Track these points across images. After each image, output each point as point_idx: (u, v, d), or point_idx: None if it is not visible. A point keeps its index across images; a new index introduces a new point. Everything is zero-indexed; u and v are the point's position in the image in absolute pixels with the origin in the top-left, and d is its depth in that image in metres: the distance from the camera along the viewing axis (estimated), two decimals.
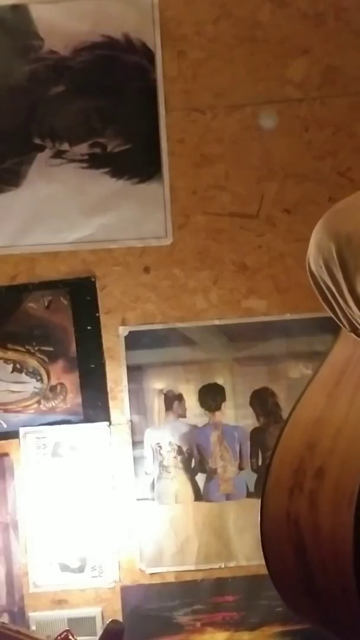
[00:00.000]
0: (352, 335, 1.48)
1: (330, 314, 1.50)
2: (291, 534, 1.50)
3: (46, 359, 2.34)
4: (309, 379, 1.62)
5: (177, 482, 2.36)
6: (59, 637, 1.44)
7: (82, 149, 2.29)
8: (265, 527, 1.58)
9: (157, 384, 2.36)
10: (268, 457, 1.62)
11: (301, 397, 1.60)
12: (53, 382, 2.35)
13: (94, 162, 2.29)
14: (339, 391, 1.52)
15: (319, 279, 1.45)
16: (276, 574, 1.57)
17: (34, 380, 2.35)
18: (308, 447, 1.51)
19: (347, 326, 1.47)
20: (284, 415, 2.31)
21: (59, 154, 2.29)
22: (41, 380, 2.35)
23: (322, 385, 1.57)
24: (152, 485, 2.35)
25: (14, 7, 2.23)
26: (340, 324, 1.49)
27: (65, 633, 1.45)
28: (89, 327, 2.34)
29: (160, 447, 2.35)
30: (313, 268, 1.45)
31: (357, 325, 1.45)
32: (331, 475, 1.44)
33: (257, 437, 2.35)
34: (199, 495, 2.36)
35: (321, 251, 1.40)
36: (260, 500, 1.57)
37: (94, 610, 2.36)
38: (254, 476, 2.35)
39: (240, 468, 2.36)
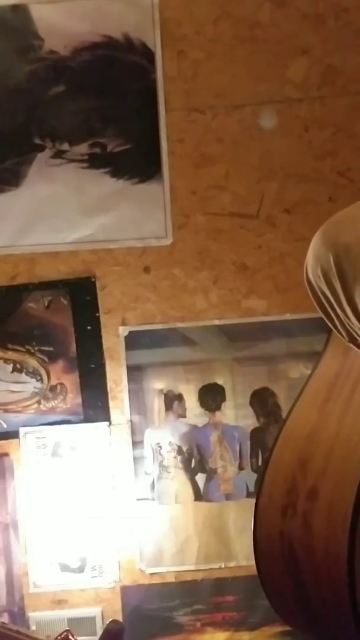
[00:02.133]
0: (351, 345, 1.47)
1: (328, 324, 1.50)
2: (285, 554, 1.50)
3: (46, 359, 2.34)
4: (298, 394, 1.61)
5: (177, 482, 2.36)
6: (59, 637, 1.44)
7: (82, 149, 2.29)
8: (259, 547, 1.57)
9: (157, 384, 2.36)
10: (266, 457, 1.61)
11: (291, 411, 1.60)
12: (53, 382, 2.35)
13: (94, 162, 2.29)
14: (329, 407, 1.52)
15: (316, 289, 1.45)
16: (272, 594, 1.56)
17: (34, 380, 2.35)
18: (300, 465, 1.50)
19: (345, 336, 1.47)
20: (284, 415, 2.31)
21: (59, 154, 2.29)
22: (41, 380, 2.35)
23: (312, 400, 1.57)
24: (152, 485, 2.35)
25: (14, 7, 2.23)
26: (339, 334, 1.49)
27: (65, 633, 1.45)
28: (89, 327, 2.34)
29: (160, 447, 2.35)
30: (311, 278, 1.45)
31: (355, 336, 1.44)
32: (324, 496, 1.43)
33: (257, 437, 2.35)
34: (199, 495, 2.36)
35: (319, 261, 1.40)
36: (253, 517, 1.57)
37: (94, 610, 2.36)
38: (254, 476, 2.35)
39: (240, 468, 2.36)
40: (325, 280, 1.40)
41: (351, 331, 1.44)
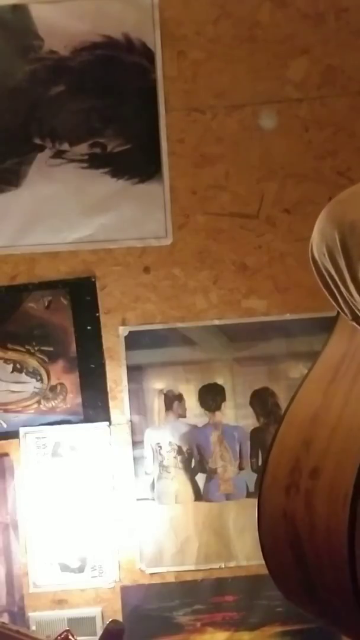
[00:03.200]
0: (354, 323, 1.48)
1: (331, 301, 1.50)
2: (288, 532, 1.51)
3: (46, 359, 2.34)
4: (304, 376, 1.62)
5: (177, 482, 2.36)
6: (59, 637, 1.44)
7: (82, 149, 2.29)
8: (262, 525, 1.58)
9: (157, 384, 2.36)
10: (271, 438, 1.62)
11: (296, 394, 1.60)
12: (53, 382, 2.35)
13: (94, 162, 2.29)
14: (333, 388, 1.52)
15: (321, 267, 1.46)
16: (275, 570, 1.58)
17: (34, 380, 2.35)
18: (304, 446, 1.51)
19: (348, 314, 1.48)
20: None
21: (59, 154, 2.29)
22: (41, 380, 2.35)
23: (317, 382, 1.57)
24: (152, 485, 2.35)
25: (14, 7, 2.23)
26: (342, 312, 1.50)
27: (65, 633, 1.45)
28: (89, 327, 2.34)
29: (160, 447, 2.35)
30: (316, 255, 1.46)
31: (359, 314, 1.45)
32: (326, 475, 1.44)
33: (257, 437, 2.35)
34: (199, 495, 2.36)
35: (325, 239, 1.41)
36: (257, 497, 1.58)
37: (94, 610, 2.36)
38: (254, 476, 2.35)
39: (240, 468, 2.36)
40: (330, 258, 1.41)
41: (355, 309, 1.45)
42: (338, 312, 1.57)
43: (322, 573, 1.45)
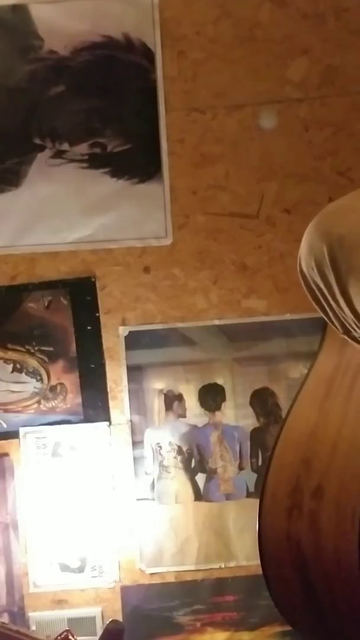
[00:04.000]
0: (345, 337, 1.47)
1: (321, 314, 1.49)
2: (293, 556, 1.48)
3: (46, 359, 2.34)
4: (296, 393, 1.60)
5: (177, 482, 2.36)
6: (59, 637, 1.44)
7: (82, 149, 2.29)
8: (265, 550, 1.55)
9: (157, 384, 2.36)
10: (267, 458, 1.60)
11: (290, 411, 1.59)
12: (53, 382, 2.35)
13: (94, 162, 2.29)
14: (329, 404, 1.51)
15: (310, 281, 1.44)
16: (280, 599, 1.54)
17: (34, 380, 2.35)
18: (303, 464, 1.49)
19: (339, 328, 1.46)
20: (284, 415, 2.31)
21: (59, 154, 2.29)
22: (41, 380, 2.35)
23: (311, 398, 1.56)
24: (152, 485, 2.35)
25: (14, 7, 2.23)
26: (332, 325, 1.48)
27: (65, 633, 1.45)
28: (89, 327, 2.34)
29: (160, 447, 2.35)
30: (304, 269, 1.44)
31: (350, 328, 1.44)
32: (330, 493, 1.42)
33: (257, 437, 2.35)
34: (199, 495, 2.36)
35: (313, 252, 1.40)
36: (257, 521, 1.55)
37: (94, 610, 2.36)
38: (254, 476, 2.35)
39: (240, 468, 2.36)
40: (318, 271, 1.39)
41: (345, 323, 1.43)
42: (325, 327, 1.56)
43: (332, 596, 1.42)
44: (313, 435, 1.50)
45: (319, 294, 1.44)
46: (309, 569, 1.45)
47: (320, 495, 1.43)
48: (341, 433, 1.45)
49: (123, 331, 2.34)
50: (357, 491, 1.35)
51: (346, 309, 1.38)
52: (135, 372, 2.35)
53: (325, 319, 1.49)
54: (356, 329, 1.41)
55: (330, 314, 1.45)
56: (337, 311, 1.42)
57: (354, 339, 1.45)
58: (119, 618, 2.30)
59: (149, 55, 2.25)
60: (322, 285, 1.41)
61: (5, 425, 2.35)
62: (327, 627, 1.47)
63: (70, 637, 1.44)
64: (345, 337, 1.46)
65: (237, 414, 2.36)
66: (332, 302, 1.41)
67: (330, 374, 1.54)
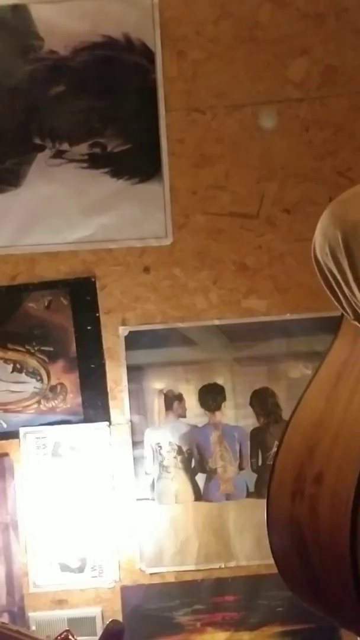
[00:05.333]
0: (356, 323, 1.48)
1: (334, 302, 1.51)
2: (295, 537, 1.51)
3: (46, 359, 2.34)
4: (309, 380, 1.62)
5: (177, 482, 2.36)
6: (59, 637, 1.44)
7: (82, 149, 2.29)
8: (271, 529, 1.59)
9: (157, 384, 2.36)
10: (268, 457, 1.62)
11: (301, 398, 1.60)
12: (53, 382, 2.35)
13: (94, 162, 2.29)
14: (336, 394, 1.52)
15: (324, 267, 1.46)
16: (284, 570, 1.59)
17: (34, 380, 2.35)
18: (307, 451, 1.51)
19: (351, 315, 1.48)
20: (284, 415, 2.32)
21: (59, 154, 2.29)
22: (41, 380, 2.35)
23: (321, 387, 1.57)
24: (152, 485, 2.35)
25: (14, 7, 2.23)
26: (345, 313, 1.50)
27: (65, 633, 1.44)
28: (89, 327, 2.34)
29: (160, 447, 2.35)
30: (319, 255, 1.46)
31: None
32: (329, 480, 1.45)
33: (257, 437, 2.35)
34: (199, 495, 2.36)
35: (327, 239, 1.41)
36: (265, 500, 1.58)
37: (94, 610, 2.36)
38: (254, 476, 2.35)
39: (240, 468, 2.36)
40: (332, 258, 1.41)
41: (357, 309, 1.45)
42: (341, 316, 1.58)
43: (327, 575, 1.45)
44: (319, 424, 1.51)
45: (332, 281, 1.46)
46: (309, 551, 1.48)
47: (320, 482, 1.45)
48: (344, 423, 1.46)
49: (123, 331, 2.34)
50: (351, 480, 1.37)
51: (359, 296, 1.40)
52: (135, 372, 2.35)
53: (338, 306, 1.50)
54: None
55: (343, 300, 1.47)
56: (350, 298, 1.44)
57: None
58: (119, 618, 2.30)
59: (149, 55, 2.25)
60: (335, 272, 1.42)
61: (5, 425, 2.35)
62: (324, 601, 1.51)
63: (70, 637, 1.44)
64: (357, 323, 1.48)
65: (237, 414, 2.36)
66: (345, 289, 1.43)
67: (342, 363, 1.55)
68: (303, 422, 1.57)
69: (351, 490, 1.37)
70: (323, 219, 1.45)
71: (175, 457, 2.35)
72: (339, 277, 1.43)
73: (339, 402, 1.50)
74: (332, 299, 1.50)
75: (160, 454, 2.35)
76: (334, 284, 1.46)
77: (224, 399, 2.36)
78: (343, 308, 1.49)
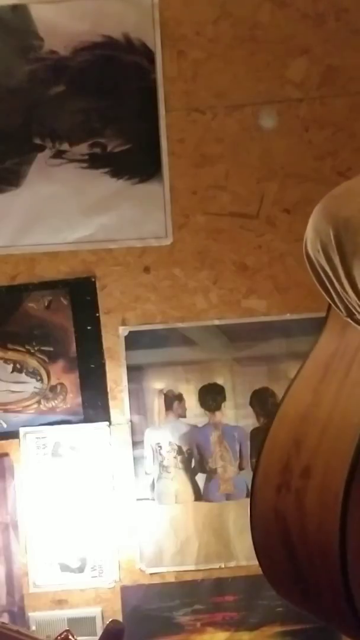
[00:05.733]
0: (348, 319, 1.48)
1: (326, 298, 1.50)
2: (279, 530, 1.51)
3: (46, 359, 2.34)
4: (295, 374, 1.62)
5: (177, 482, 2.36)
6: (59, 637, 1.44)
7: (82, 149, 2.29)
8: (255, 523, 1.59)
9: (157, 384, 2.36)
10: (262, 437, 1.62)
11: (287, 391, 1.60)
12: (53, 382, 2.35)
13: (94, 162, 2.29)
14: (323, 387, 1.52)
15: (315, 263, 1.45)
16: (267, 567, 1.58)
17: (34, 380, 2.35)
18: (295, 445, 1.51)
19: (343, 311, 1.47)
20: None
21: (59, 154, 2.29)
22: (41, 380, 2.35)
23: (308, 380, 1.57)
24: (152, 485, 2.35)
25: (14, 7, 2.23)
26: (336, 309, 1.50)
27: (65, 633, 1.44)
28: (89, 327, 2.34)
29: (160, 447, 2.35)
30: (310, 252, 1.45)
31: (353, 310, 1.45)
32: (316, 474, 1.44)
33: (257, 437, 2.35)
34: (199, 495, 2.36)
35: (319, 235, 1.41)
36: (250, 497, 1.58)
37: (94, 610, 2.36)
38: None
39: (240, 468, 2.36)
40: (324, 254, 1.41)
41: (349, 306, 1.44)
42: (329, 310, 1.57)
43: (313, 572, 1.45)
44: (306, 417, 1.51)
45: (324, 277, 1.45)
46: (294, 544, 1.48)
47: (307, 476, 1.45)
48: (332, 416, 1.46)
49: (123, 331, 2.34)
50: (341, 474, 1.37)
51: (350, 292, 1.40)
52: (135, 372, 2.35)
53: (329, 301, 1.50)
54: None
55: (335, 296, 1.46)
56: (341, 294, 1.43)
57: (358, 321, 1.46)
58: (119, 618, 2.30)
59: (149, 55, 2.25)
60: (327, 268, 1.42)
61: (5, 425, 2.35)
62: (309, 598, 1.50)
63: (70, 637, 1.44)
64: (349, 319, 1.48)
65: (237, 414, 2.36)
66: (336, 285, 1.43)
67: (328, 357, 1.55)
68: (289, 415, 1.57)
69: (341, 484, 1.37)
70: (314, 215, 1.45)
71: (175, 457, 2.35)
72: (330, 274, 1.43)
73: (327, 396, 1.50)
74: (324, 295, 1.50)
75: (160, 454, 2.35)
76: (325, 280, 1.46)
77: (224, 399, 2.36)
78: (335, 304, 1.49)
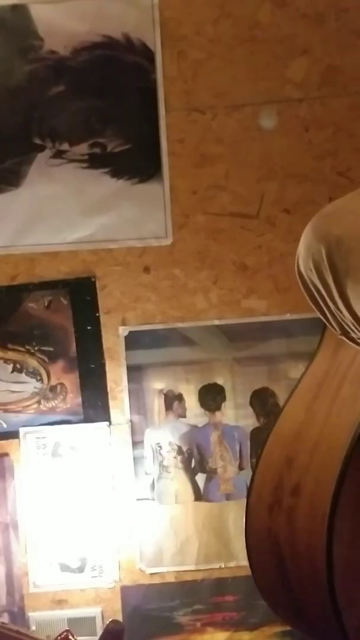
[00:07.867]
0: (343, 338, 1.48)
1: (320, 316, 1.50)
2: (272, 549, 1.51)
3: (46, 359, 2.34)
4: (290, 391, 1.62)
5: (177, 482, 2.36)
6: (59, 637, 1.44)
7: (82, 149, 2.29)
8: (249, 541, 1.59)
9: (157, 384, 2.36)
10: (257, 456, 1.62)
11: (282, 410, 1.60)
12: (53, 382, 2.35)
13: (94, 162, 2.29)
14: (316, 405, 1.52)
15: (308, 282, 1.45)
16: (262, 585, 1.58)
17: (34, 380, 2.35)
18: (287, 463, 1.51)
19: (337, 329, 1.47)
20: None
21: (59, 154, 2.29)
22: (41, 380, 2.35)
23: (302, 399, 1.58)
24: (152, 485, 2.35)
25: (14, 7, 2.23)
26: (330, 327, 1.49)
27: (65, 633, 1.45)
28: (89, 327, 2.34)
29: (160, 447, 2.35)
30: (303, 270, 1.45)
31: (347, 329, 1.45)
32: (306, 492, 1.44)
33: (257, 437, 2.35)
34: (199, 495, 2.36)
35: (311, 254, 1.40)
36: (244, 514, 1.58)
37: (94, 610, 2.36)
38: None
39: (241, 468, 2.36)
40: (317, 273, 1.40)
41: (343, 324, 1.44)
42: (324, 328, 1.57)
43: (305, 592, 1.45)
44: (298, 435, 1.52)
45: (317, 295, 1.45)
46: (286, 564, 1.48)
47: (298, 493, 1.45)
48: (322, 434, 1.46)
49: (123, 331, 2.34)
50: (328, 492, 1.37)
51: (344, 310, 1.39)
52: (135, 372, 2.35)
53: (324, 320, 1.49)
54: (354, 330, 1.42)
55: (329, 315, 1.45)
56: (335, 312, 1.43)
57: (352, 339, 1.45)
58: (119, 618, 2.30)
59: (149, 55, 2.25)
60: (320, 287, 1.41)
61: (5, 425, 2.36)
62: (303, 619, 1.50)
63: (70, 637, 1.44)
64: (344, 338, 1.47)
65: (237, 414, 2.36)
66: (330, 304, 1.42)
67: (322, 376, 1.55)
68: (283, 434, 1.57)
69: (328, 501, 1.37)
70: (306, 234, 1.44)
71: (175, 457, 2.35)
72: (323, 292, 1.42)
73: (318, 414, 1.50)
74: (318, 313, 1.49)
75: (160, 454, 2.35)
76: (318, 299, 1.45)
77: (224, 399, 2.36)
78: (329, 322, 1.48)
